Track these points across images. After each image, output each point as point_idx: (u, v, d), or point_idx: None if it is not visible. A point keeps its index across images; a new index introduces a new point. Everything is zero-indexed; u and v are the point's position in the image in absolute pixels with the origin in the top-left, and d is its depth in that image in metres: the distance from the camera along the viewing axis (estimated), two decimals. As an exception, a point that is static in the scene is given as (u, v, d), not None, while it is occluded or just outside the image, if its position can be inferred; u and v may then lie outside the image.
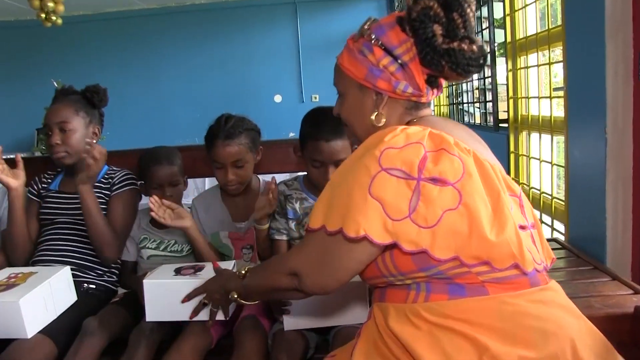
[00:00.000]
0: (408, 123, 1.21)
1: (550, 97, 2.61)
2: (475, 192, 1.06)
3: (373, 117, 1.21)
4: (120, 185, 2.11)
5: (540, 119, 2.76)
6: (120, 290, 2.18)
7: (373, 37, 1.18)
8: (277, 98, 8.30)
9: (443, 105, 5.56)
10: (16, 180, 1.96)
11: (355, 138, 1.30)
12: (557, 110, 2.60)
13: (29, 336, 1.61)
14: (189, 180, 2.23)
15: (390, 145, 1.07)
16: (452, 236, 1.03)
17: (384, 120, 1.22)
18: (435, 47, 1.13)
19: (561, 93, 2.44)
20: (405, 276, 1.09)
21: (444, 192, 1.04)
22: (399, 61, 1.16)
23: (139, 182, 2.14)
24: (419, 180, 1.04)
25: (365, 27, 1.20)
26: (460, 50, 1.13)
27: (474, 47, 1.14)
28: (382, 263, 1.11)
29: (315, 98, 8.19)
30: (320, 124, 1.78)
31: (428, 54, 1.13)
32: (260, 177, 2.16)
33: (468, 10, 1.13)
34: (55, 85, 5.49)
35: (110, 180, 2.12)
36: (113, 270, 2.14)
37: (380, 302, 1.17)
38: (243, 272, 1.38)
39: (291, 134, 7.54)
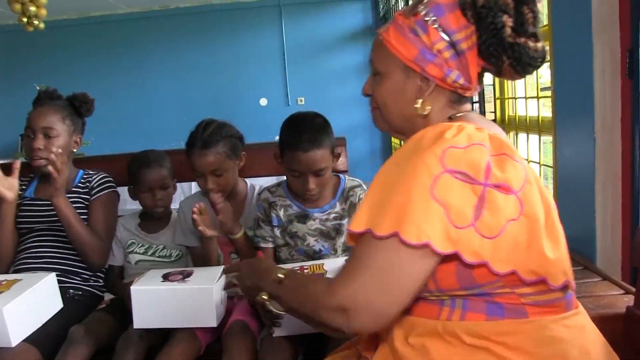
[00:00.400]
0: (450, 118, 1.12)
1: (538, 97, 2.62)
2: (535, 202, 1.00)
3: (418, 104, 1.11)
4: (99, 188, 2.07)
5: (528, 119, 2.77)
6: (107, 296, 2.14)
7: (431, 16, 1.07)
8: (263, 101, 8.28)
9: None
10: (11, 193, 1.90)
11: (386, 124, 1.21)
12: (544, 110, 2.60)
13: (13, 345, 1.57)
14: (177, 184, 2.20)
15: (453, 144, 0.98)
16: (513, 249, 0.97)
17: (428, 108, 1.12)
18: (502, 39, 1.05)
19: (548, 93, 2.44)
20: (443, 293, 1.02)
21: (508, 200, 0.97)
22: (456, 48, 1.07)
23: (128, 187, 2.11)
24: (485, 186, 0.96)
25: (421, 4, 1.09)
26: (525, 47, 1.05)
27: (539, 45, 1.07)
28: None
29: (301, 101, 8.17)
30: (298, 133, 1.74)
31: (492, 45, 1.05)
32: (248, 180, 2.14)
33: (539, 5, 1.07)
34: (38, 89, 5.40)
35: (87, 184, 2.08)
36: (99, 274, 2.10)
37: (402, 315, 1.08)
38: (281, 275, 1.20)
39: (277, 137, 7.52)
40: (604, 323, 1.44)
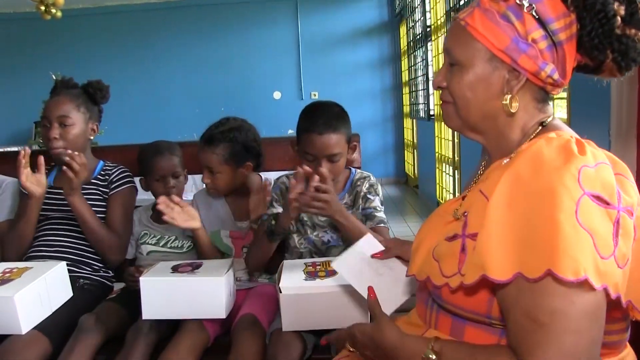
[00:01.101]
0: (543, 124, 1.01)
1: (553, 99, 2.59)
2: None
3: (506, 100, 0.99)
4: (118, 183, 2.09)
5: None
6: (116, 286, 2.16)
7: (526, 1, 0.94)
8: (277, 95, 8.29)
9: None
10: (39, 188, 1.91)
11: (460, 121, 1.07)
12: (559, 111, 2.58)
13: (24, 332, 1.58)
14: (189, 176, 2.21)
15: (585, 163, 0.86)
16: (630, 277, 0.89)
17: (516, 105, 0.99)
18: (611, 29, 0.93)
19: (564, 95, 2.42)
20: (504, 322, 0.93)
21: (631, 225, 0.88)
22: (553, 38, 0.95)
23: (139, 178, 2.12)
24: (619, 211, 0.86)
25: None
26: (635, 39, 0.94)
27: None
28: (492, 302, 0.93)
29: (315, 95, 8.17)
30: (315, 117, 1.76)
31: (597, 36, 0.94)
32: (263, 175, 2.14)
33: None
34: (54, 78, 5.43)
35: (107, 177, 2.10)
36: (109, 265, 2.11)
37: (443, 334, 1.00)
38: (431, 348, 0.95)
39: (290, 131, 7.53)
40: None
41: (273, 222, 1.77)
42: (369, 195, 1.86)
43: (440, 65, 5.38)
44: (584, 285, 0.81)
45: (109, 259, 2.03)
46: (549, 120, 1.02)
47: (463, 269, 0.93)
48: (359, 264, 1.37)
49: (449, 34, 1.06)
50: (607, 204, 0.86)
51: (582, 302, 0.83)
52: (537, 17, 0.94)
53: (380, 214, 1.84)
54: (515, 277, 0.85)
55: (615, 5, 0.93)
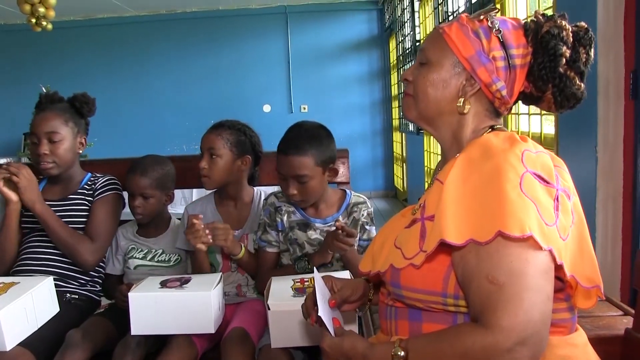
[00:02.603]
0: (492, 128, 1.16)
1: (541, 114, 2.62)
2: (581, 212, 1.06)
3: (460, 102, 1.14)
4: (102, 190, 2.08)
5: (530, 135, 2.77)
6: (104, 301, 2.14)
7: (496, 25, 1.12)
8: (266, 108, 8.30)
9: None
10: (16, 194, 1.90)
11: (416, 112, 1.21)
12: (547, 126, 2.61)
13: (8, 349, 1.56)
14: (177, 190, 2.20)
15: (527, 148, 1.03)
16: (572, 254, 1.01)
17: (468, 107, 1.14)
18: (556, 66, 1.10)
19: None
20: (457, 300, 1.02)
21: (569, 206, 1.02)
22: (510, 61, 1.12)
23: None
24: (557, 189, 1.00)
25: (490, 13, 1.14)
26: (573, 81, 1.11)
27: (582, 86, 1.12)
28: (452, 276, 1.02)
29: (305, 109, 8.20)
30: (287, 137, 1.80)
31: (545, 68, 1.11)
32: (256, 188, 2.14)
33: (592, 52, 1.14)
34: (44, 90, 5.42)
35: (92, 186, 2.09)
36: (96, 279, 2.10)
37: (404, 336, 1.07)
38: (402, 353, 0.99)
39: (280, 145, 7.53)
40: (602, 344, 1.44)
41: (308, 265, 1.83)
42: (366, 226, 1.89)
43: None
44: (532, 242, 0.93)
45: (78, 262, 1.98)
46: (498, 126, 1.16)
47: (424, 245, 1.04)
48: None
49: (428, 37, 1.22)
50: (547, 182, 0.99)
51: (536, 261, 0.93)
52: (501, 40, 1.12)
53: None
54: (468, 242, 0.96)
55: (564, 48, 1.10)
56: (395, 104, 7.92)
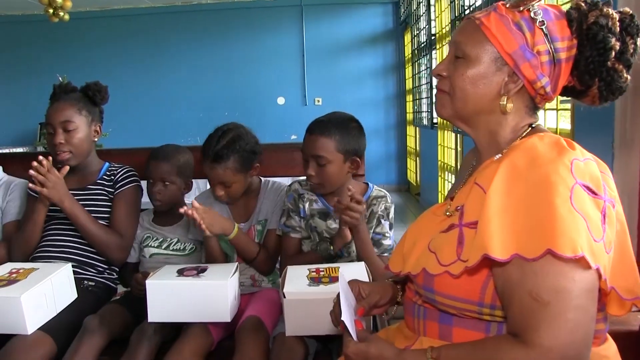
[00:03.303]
0: (531, 126, 1.11)
1: (557, 109, 2.61)
2: (623, 220, 1.01)
3: (503, 101, 1.07)
4: (122, 182, 2.11)
5: (546, 130, 2.76)
6: (120, 288, 2.17)
7: (539, 17, 1.04)
8: (280, 100, 8.31)
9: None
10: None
11: (452, 110, 1.15)
12: (563, 122, 2.59)
13: (29, 332, 1.60)
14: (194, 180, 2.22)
15: (575, 157, 0.97)
16: (613, 265, 0.97)
17: (511, 106, 1.08)
18: (605, 60, 1.04)
19: (568, 105, 2.43)
20: (493, 310, 1.00)
21: (614, 216, 0.98)
22: (554, 55, 1.05)
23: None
24: (605, 201, 0.96)
25: (532, 3, 1.05)
26: (620, 74, 1.05)
27: (629, 78, 1.07)
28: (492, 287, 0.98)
29: (318, 101, 8.20)
30: (316, 120, 1.85)
31: (592, 62, 1.04)
32: (264, 179, 2.15)
33: (639, 42, 1.07)
34: (61, 80, 5.47)
35: (112, 177, 2.12)
36: (113, 267, 2.13)
37: (432, 339, 1.07)
38: (430, 356, 0.99)
39: (293, 137, 7.55)
40: (617, 340, 1.44)
41: (331, 247, 1.85)
42: (381, 219, 1.89)
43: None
44: (582, 262, 0.89)
45: (110, 258, 2.05)
46: (536, 123, 1.12)
47: (463, 254, 1.00)
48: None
49: (461, 29, 1.13)
50: (595, 194, 0.95)
51: (582, 279, 0.90)
52: (546, 32, 1.04)
53: (387, 242, 1.89)
54: (513, 257, 0.92)
55: (613, 40, 1.03)
56: (409, 97, 7.90)
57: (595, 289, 0.92)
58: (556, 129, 2.60)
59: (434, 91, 5.89)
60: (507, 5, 1.08)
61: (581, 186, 0.93)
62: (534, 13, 1.05)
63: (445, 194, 4.49)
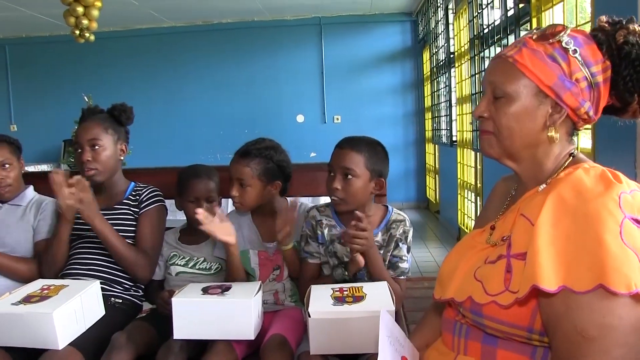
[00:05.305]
0: (572, 155, 1.13)
1: (579, 129, 2.61)
2: None
3: (552, 132, 1.09)
4: (148, 202, 2.16)
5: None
6: (146, 305, 2.21)
7: (571, 46, 1.07)
8: (300, 118, 8.37)
9: (466, 131, 5.55)
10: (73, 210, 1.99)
11: (500, 150, 1.17)
12: (584, 140, 2.59)
13: (60, 347, 1.63)
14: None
15: (623, 190, 0.97)
16: None
17: (557, 136, 1.10)
18: None
19: (589, 125, 2.44)
20: (543, 337, 1.01)
21: None
22: (592, 80, 1.07)
23: (175, 197, 2.20)
24: None
25: (559, 33, 1.08)
26: None
27: None
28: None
29: (337, 119, 8.25)
30: (346, 137, 1.91)
31: (631, 80, 1.07)
32: (290, 199, 2.19)
33: None
34: (86, 99, 5.60)
35: (137, 197, 2.17)
36: (139, 284, 2.18)
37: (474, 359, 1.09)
38: None
39: (312, 154, 7.59)
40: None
41: (345, 272, 1.88)
42: (399, 243, 1.91)
43: (464, 92, 5.41)
44: (636, 298, 0.89)
45: (137, 276, 2.09)
46: (575, 152, 1.14)
47: (512, 285, 1.01)
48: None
49: (494, 69, 1.15)
50: None
51: (630, 316, 0.90)
52: (580, 60, 1.07)
53: (404, 265, 1.91)
54: (561, 289, 0.92)
55: None
56: (428, 115, 7.92)
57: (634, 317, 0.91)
58: (577, 147, 2.60)
59: (454, 110, 5.87)
60: (534, 38, 1.11)
61: (630, 220, 0.93)
62: (565, 43, 1.07)
63: (465, 212, 4.49)
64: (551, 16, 3.12)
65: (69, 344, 1.67)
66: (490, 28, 4.34)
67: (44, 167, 7.09)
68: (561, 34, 1.08)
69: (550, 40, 1.08)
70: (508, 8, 3.89)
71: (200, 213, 1.82)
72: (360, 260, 1.81)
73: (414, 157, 8.42)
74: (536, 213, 1.01)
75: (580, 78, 1.07)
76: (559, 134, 1.10)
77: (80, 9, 4.84)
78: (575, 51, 1.06)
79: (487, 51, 4.43)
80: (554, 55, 1.07)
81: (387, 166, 1.93)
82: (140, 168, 2.68)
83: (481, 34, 4.59)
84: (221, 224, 1.87)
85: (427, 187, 8.28)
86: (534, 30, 1.13)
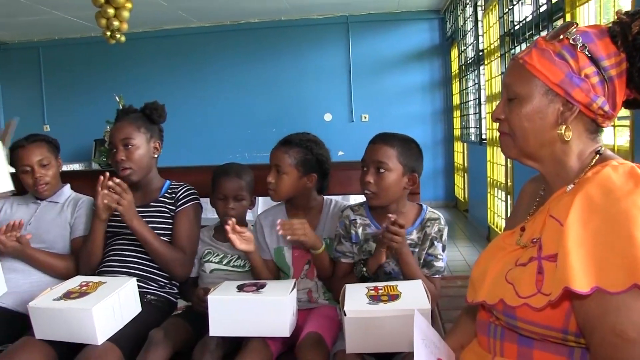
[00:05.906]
0: (599, 153, 1.12)
1: (614, 125, 2.57)
2: None
3: (562, 129, 1.09)
4: (184, 200, 2.18)
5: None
6: (181, 302, 2.24)
7: (579, 42, 1.06)
8: (327, 117, 8.37)
9: (496, 129, 5.46)
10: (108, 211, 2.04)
11: (517, 150, 1.18)
12: (621, 138, 2.55)
13: (99, 343, 1.67)
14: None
15: None
16: None
17: (569, 134, 1.10)
18: None
19: (626, 122, 2.40)
20: (578, 338, 1.01)
21: None
22: (604, 74, 1.06)
23: (211, 194, 2.21)
24: None
25: (569, 30, 1.08)
26: None
27: None
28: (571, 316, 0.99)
29: (365, 118, 8.23)
30: (380, 133, 1.92)
31: None
32: (326, 197, 2.20)
33: None
34: (117, 99, 5.69)
35: (173, 195, 2.20)
36: (174, 282, 2.20)
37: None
38: None
39: (340, 153, 7.59)
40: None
41: (364, 269, 1.88)
42: (435, 241, 1.90)
43: (494, 90, 5.36)
44: None
45: (174, 274, 2.12)
46: (602, 149, 1.12)
47: (544, 288, 1.00)
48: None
49: (509, 71, 1.17)
50: None
51: None
52: (589, 55, 1.06)
53: (439, 264, 1.90)
54: (594, 290, 0.91)
55: None
56: (456, 113, 7.85)
57: None
58: (614, 145, 2.56)
59: (483, 108, 5.79)
60: (547, 38, 1.11)
61: None
62: (573, 39, 1.07)
63: (494, 211, 4.44)
64: (586, 11, 3.07)
65: (108, 340, 1.70)
66: (521, 24, 4.28)
67: (75, 167, 7.22)
68: (570, 31, 1.08)
69: (560, 38, 1.08)
70: (540, 4, 3.83)
71: (231, 223, 1.88)
72: (382, 256, 1.82)
73: (442, 155, 8.36)
74: (565, 214, 1.00)
75: (591, 73, 1.06)
76: (572, 131, 1.10)
77: (111, 11, 4.92)
78: (583, 47, 1.06)
79: (517, 48, 4.37)
80: (562, 52, 1.07)
81: (421, 163, 1.92)
82: (174, 167, 2.72)
83: (512, 30, 4.54)
84: (240, 235, 1.92)
85: (456, 186, 8.20)
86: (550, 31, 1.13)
